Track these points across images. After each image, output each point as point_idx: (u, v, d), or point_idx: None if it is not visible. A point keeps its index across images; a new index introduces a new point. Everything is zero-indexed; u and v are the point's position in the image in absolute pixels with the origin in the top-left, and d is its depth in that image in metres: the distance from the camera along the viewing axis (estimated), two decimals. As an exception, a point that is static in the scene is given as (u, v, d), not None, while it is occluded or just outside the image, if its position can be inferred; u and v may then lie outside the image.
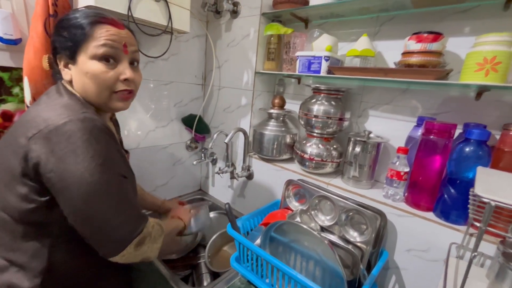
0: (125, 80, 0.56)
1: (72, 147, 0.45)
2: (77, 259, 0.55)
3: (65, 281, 0.54)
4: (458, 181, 0.67)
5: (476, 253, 0.42)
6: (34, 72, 0.72)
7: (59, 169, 0.45)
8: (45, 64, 0.59)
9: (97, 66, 0.52)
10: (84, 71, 0.53)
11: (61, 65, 0.56)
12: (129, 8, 0.78)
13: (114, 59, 0.54)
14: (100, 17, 0.54)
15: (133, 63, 0.59)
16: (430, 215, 0.71)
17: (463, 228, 0.65)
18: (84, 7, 0.74)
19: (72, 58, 0.54)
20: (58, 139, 0.45)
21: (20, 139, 0.47)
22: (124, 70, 0.55)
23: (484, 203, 0.42)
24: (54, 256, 0.52)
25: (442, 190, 0.70)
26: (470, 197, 0.46)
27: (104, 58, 0.53)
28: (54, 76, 0.60)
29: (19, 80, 0.78)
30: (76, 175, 0.45)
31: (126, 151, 0.74)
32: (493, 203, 0.40)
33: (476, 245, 0.42)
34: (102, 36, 0.52)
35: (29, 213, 0.49)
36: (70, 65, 0.55)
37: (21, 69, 0.76)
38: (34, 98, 0.73)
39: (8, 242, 0.51)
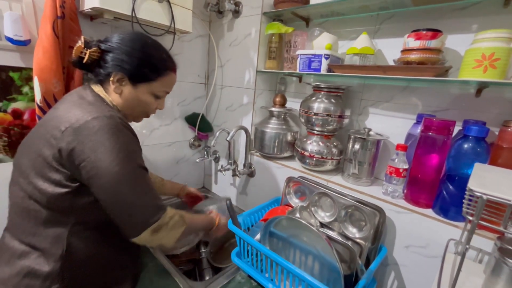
0: (157, 109, 0.70)
1: (101, 140, 0.51)
2: (93, 247, 0.58)
3: (82, 267, 0.57)
4: (457, 178, 0.67)
5: (468, 246, 0.42)
6: (44, 72, 0.74)
7: (90, 159, 0.51)
8: (77, 53, 0.58)
9: (150, 100, 0.66)
10: (139, 99, 0.63)
11: (113, 78, 0.60)
12: (133, 9, 0.80)
13: (161, 97, 0.68)
14: (174, 65, 0.67)
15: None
16: (429, 211, 0.72)
17: (461, 224, 0.66)
18: (90, 8, 0.77)
19: (133, 82, 0.61)
20: (88, 132, 0.51)
21: (54, 132, 0.52)
22: (161, 104, 0.70)
23: (477, 197, 0.42)
24: (72, 242, 0.55)
25: (441, 187, 0.70)
26: (466, 192, 0.46)
27: (157, 97, 0.67)
28: (80, 65, 0.60)
29: (28, 80, 0.81)
30: (105, 165, 0.51)
31: None
32: (485, 197, 0.41)
33: (469, 238, 0.43)
34: (168, 83, 0.67)
35: (58, 198, 0.53)
36: (125, 83, 0.61)
37: (30, 69, 0.80)
38: (44, 97, 0.76)
39: (30, 228, 0.55)
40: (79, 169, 0.51)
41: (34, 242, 0.55)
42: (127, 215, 0.54)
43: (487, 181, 0.48)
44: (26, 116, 0.83)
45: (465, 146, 0.64)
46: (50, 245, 0.54)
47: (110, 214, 0.55)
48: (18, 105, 0.81)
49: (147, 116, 0.70)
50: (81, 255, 0.57)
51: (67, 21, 0.77)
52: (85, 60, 0.59)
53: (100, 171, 0.51)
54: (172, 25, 0.91)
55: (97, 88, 0.62)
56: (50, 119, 0.55)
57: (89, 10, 0.78)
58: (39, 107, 0.77)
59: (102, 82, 0.62)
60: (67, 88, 0.82)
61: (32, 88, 0.81)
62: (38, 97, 0.76)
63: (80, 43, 0.58)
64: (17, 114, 0.81)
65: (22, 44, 0.76)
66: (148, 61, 0.61)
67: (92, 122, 0.51)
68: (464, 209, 0.45)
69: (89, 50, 0.58)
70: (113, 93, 0.62)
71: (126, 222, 0.55)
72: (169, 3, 0.88)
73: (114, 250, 0.63)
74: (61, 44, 0.76)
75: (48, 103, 0.77)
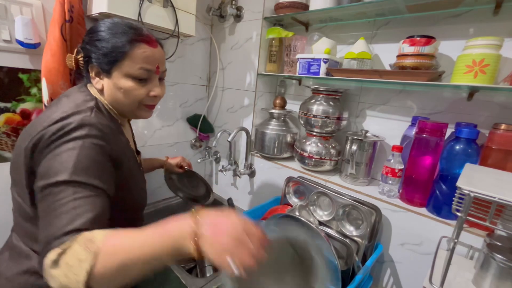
0: (154, 96, 0.61)
1: (55, 146, 0.47)
2: None
3: None
4: (449, 178, 0.70)
5: (457, 240, 0.45)
6: (52, 74, 0.77)
7: (40, 163, 0.47)
8: (70, 63, 0.60)
9: (130, 84, 0.57)
10: (117, 86, 0.57)
11: (92, 74, 0.58)
12: (139, 14, 0.83)
13: (146, 78, 0.59)
14: (138, 35, 0.56)
15: (161, 79, 0.64)
16: (423, 210, 0.75)
17: (453, 222, 0.68)
18: (98, 13, 0.80)
19: (106, 71, 0.56)
20: (50, 137, 0.48)
21: (26, 141, 0.50)
22: (154, 88, 0.60)
23: (465, 194, 0.45)
24: None
25: (434, 187, 0.73)
26: (456, 190, 0.49)
27: (138, 78, 0.57)
28: (77, 76, 0.63)
29: (37, 81, 0.84)
30: (43, 172, 0.46)
31: (138, 152, 0.77)
32: (472, 194, 0.44)
33: (458, 233, 0.46)
34: (139, 57, 0.56)
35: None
36: (102, 76, 0.58)
37: (38, 71, 0.82)
38: (52, 98, 0.78)
39: (31, 232, 0.55)
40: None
41: (34, 248, 0.55)
42: (43, 228, 0.46)
43: (475, 180, 0.50)
44: (34, 117, 0.85)
45: (457, 147, 0.67)
46: None
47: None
48: (27, 105, 0.84)
49: (148, 107, 0.62)
50: None
51: (75, 25, 0.80)
52: (75, 67, 0.59)
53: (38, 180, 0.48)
54: (176, 29, 0.94)
55: (92, 90, 0.60)
56: (29, 125, 0.54)
57: (97, 14, 0.81)
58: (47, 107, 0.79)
59: (87, 84, 0.61)
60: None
61: (40, 89, 0.83)
62: (45, 98, 0.78)
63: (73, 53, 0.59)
64: (25, 114, 0.84)
65: (32, 47, 0.78)
66: (107, 40, 0.55)
67: (56, 124, 0.49)
68: (454, 206, 0.48)
69: (74, 56, 0.59)
70: (101, 91, 0.59)
71: (41, 236, 0.45)
72: (174, 8, 0.91)
73: None
74: (68, 47, 0.79)
75: None
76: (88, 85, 0.61)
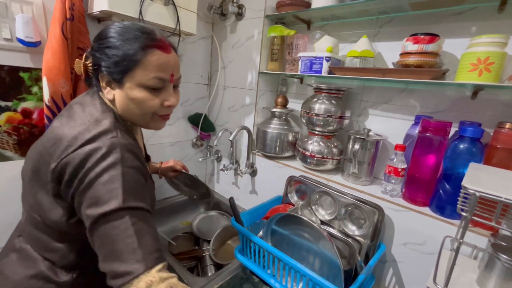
0: (168, 106, 0.57)
1: (95, 173, 0.46)
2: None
3: (94, 274, 0.55)
4: (453, 177, 0.69)
5: (462, 240, 0.45)
6: (52, 73, 0.77)
7: (82, 191, 0.46)
8: (79, 69, 0.56)
9: (144, 94, 0.53)
10: (129, 97, 0.53)
11: (103, 83, 0.54)
12: (140, 12, 0.82)
13: (160, 88, 0.55)
14: (151, 41, 0.51)
15: (176, 86, 0.59)
16: (426, 210, 0.74)
17: (457, 222, 0.68)
18: (99, 11, 0.79)
19: (117, 81, 0.52)
20: (83, 163, 0.46)
21: (51, 160, 0.48)
22: (169, 97, 0.56)
23: (471, 194, 0.45)
24: (82, 256, 0.56)
25: (438, 186, 0.72)
26: (461, 189, 0.49)
27: (152, 88, 0.53)
28: (86, 83, 0.59)
29: (38, 80, 0.83)
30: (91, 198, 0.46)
31: (148, 157, 0.76)
32: (477, 194, 0.43)
33: (463, 233, 0.45)
34: (153, 66, 0.51)
35: (62, 225, 0.52)
36: (113, 86, 0.54)
37: (40, 69, 0.82)
38: (52, 97, 0.78)
39: (44, 241, 0.55)
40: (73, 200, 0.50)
41: (48, 254, 0.55)
42: (113, 258, 0.46)
43: (480, 179, 0.50)
44: (35, 116, 0.85)
45: (461, 146, 0.67)
46: (60, 259, 0.55)
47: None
48: (28, 104, 0.83)
49: (162, 118, 0.59)
50: (92, 267, 0.54)
51: (76, 23, 0.80)
52: (84, 74, 0.56)
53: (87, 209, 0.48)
54: (178, 27, 0.94)
55: (103, 97, 0.57)
56: (50, 138, 0.52)
57: (98, 12, 0.81)
58: (47, 106, 0.79)
59: (98, 92, 0.57)
60: (75, 89, 0.84)
61: (41, 88, 0.83)
62: (46, 96, 0.78)
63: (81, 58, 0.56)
64: (26, 113, 0.84)
65: (33, 46, 0.78)
66: (118, 47, 0.50)
67: (89, 150, 0.47)
68: (458, 206, 0.47)
69: (83, 62, 0.55)
70: (112, 101, 0.55)
71: (110, 267, 0.46)
72: (175, 6, 0.91)
73: None
74: (69, 46, 0.79)
75: (56, 102, 0.79)
76: (100, 93, 0.57)
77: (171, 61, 0.55)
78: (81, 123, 0.50)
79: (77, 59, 0.57)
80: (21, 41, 0.76)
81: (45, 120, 0.80)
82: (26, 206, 0.58)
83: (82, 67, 0.55)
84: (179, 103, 1.24)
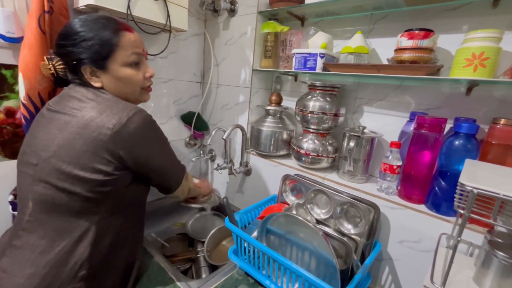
0: (149, 76, 0.68)
1: (147, 134, 0.59)
2: (117, 229, 0.63)
3: (108, 251, 0.61)
4: (448, 174, 0.69)
5: (460, 238, 0.44)
6: (29, 69, 0.72)
7: (143, 152, 0.59)
8: (46, 71, 0.59)
9: (130, 72, 0.62)
10: (118, 77, 0.61)
11: (87, 74, 0.59)
12: (128, 7, 0.80)
13: (139, 62, 0.65)
14: (117, 25, 0.60)
15: (146, 59, 0.69)
16: (422, 207, 0.73)
17: (453, 219, 0.67)
18: (85, 5, 0.76)
19: (101, 67, 0.59)
20: (132, 132, 0.56)
21: (102, 130, 0.54)
22: (147, 69, 0.67)
23: (468, 191, 0.44)
24: (101, 228, 0.59)
25: (433, 183, 0.72)
26: (457, 186, 0.48)
27: (134, 64, 0.63)
28: (58, 82, 0.63)
29: (21, 78, 0.80)
30: (156, 155, 0.62)
31: None
32: (475, 191, 0.42)
33: (460, 231, 0.44)
34: (128, 45, 0.61)
35: (103, 185, 0.56)
36: (98, 74, 0.60)
37: (23, 66, 0.78)
38: (28, 95, 0.73)
39: (60, 222, 0.56)
40: (132, 161, 0.58)
41: (63, 235, 0.56)
42: (171, 177, 0.70)
43: (477, 176, 0.49)
44: (18, 115, 0.82)
45: (456, 143, 0.66)
46: (81, 235, 0.57)
47: (157, 182, 0.68)
48: (11, 103, 0.80)
49: (147, 90, 0.69)
50: (107, 239, 0.60)
51: (57, 17, 0.75)
52: (56, 74, 0.61)
53: (153, 158, 0.62)
54: (168, 23, 0.91)
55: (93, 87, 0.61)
56: (85, 123, 0.55)
57: (83, 7, 0.77)
58: (23, 104, 0.74)
59: (85, 83, 0.61)
60: (54, 86, 0.79)
61: (22, 86, 0.79)
62: (22, 94, 0.73)
63: (45, 61, 0.60)
64: (9, 112, 0.80)
65: (15, 41, 0.74)
66: (93, 38, 0.57)
67: (134, 117, 0.56)
68: (455, 203, 0.46)
69: (52, 63, 0.59)
70: (98, 88, 0.61)
71: (171, 181, 0.70)
72: (165, 1, 0.88)
73: (128, 233, 0.67)
74: (48, 40, 0.74)
75: (33, 101, 0.75)
76: (82, 85, 0.61)
77: (138, 39, 0.64)
78: (104, 107, 0.57)
79: (42, 62, 0.59)
80: (2, 36, 0.72)
81: (22, 120, 0.76)
82: (40, 191, 0.56)
83: (52, 68, 0.60)
84: (171, 102, 1.24)
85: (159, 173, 0.66)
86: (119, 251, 0.64)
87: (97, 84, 0.60)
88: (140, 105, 1.06)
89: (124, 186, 0.60)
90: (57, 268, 0.55)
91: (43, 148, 0.57)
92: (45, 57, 0.60)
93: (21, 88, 0.73)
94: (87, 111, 0.56)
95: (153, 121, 0.61)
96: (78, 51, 0.57)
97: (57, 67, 0.60)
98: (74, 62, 0.58)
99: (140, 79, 0.65)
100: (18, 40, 0.75)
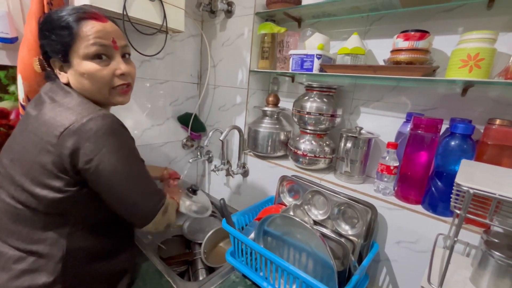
0: (121, 74, 0.58)
1: (101, 141, 0.50)
2: (92, 243, 0.58)
3: (83, 265, 0.57)
4: (444, 174, 0.69)
5: (456, 239, 0.44)
6: (28, 70, 0.72)
7: (94, 162, 0.50)
8: (37, 67, 0.59)
9: (92, 66, 0.54)
10: (80, 72, 0.54)
11: (56, 69, 0.57)
12: (124, 7, 0.79)
13: (106, 56, 0.56)
14: (82, 13, 0.54)
15: (125, 55, 0.61)
16: (419, 207, 0.73)
17: (449, 219, 0.68)
18: (81, 5, 0.75)
19: (65, 61, 0.55)
20: (86, 135, 0.49)
21: (49, 138, 0.49)
22: (118, 65, 0.57)
23: (464, 191, 0.44)
24: (71, 243, 0.55)
25: (430, 183, 0.72)
26: (454, 187, 0.48)
27: (97, 57, 0.55)
28: (47, 78, 0.61)
29: (15, 79, 0.79)
30: (110, 166, 0.51)
31: None
32: (471, 191, 0.42)
33: (457, 231, 0.44)
34: (89, 34, 0.53)
35: (58, 203, 0.52)
36: (65, 68, 0.56)
37: (16, 67, 0.77)
38: (28, 96, 0.73)
39: (27, 234, 0.53)
40: (81, 173, 0.51)
41: (31, 248, 0.53)
42: (136, 207, 0.57)
43: (473, 176, 0.49)
44: (12, 116, 0.81)
45: (452, 143, 0.66)
46: (49, 248, 0.53)
47: (117, 209, 0.56)
48: (5, 104, 0.79)
49: (120, 91, 0.59)
50: (81, 254, 0.56)
51: (55, 19, 0.75)
52: (40, 70, 0.59)
53: (105, 172, 0.51)
54: (164, 24, 0.91)
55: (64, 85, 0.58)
56: (39, 125, 0.52)
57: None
58: (22, 106, 0.74)
59: (57, 80, 0.58)
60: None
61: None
62: (21, 95, 0.73)
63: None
64: (3, 114, 0.79)
65: (9, 42, 0.74)
66: (55, 27, 0.53)
67: (89, 124, 0.49)
68: (452, 203, 0.47)
69: (39, 58, 0.59)
70: (67, 85, 0.57)
71: (136, 213, 0.57)
72: (161, 1, 0.88)
73: (112, 243, 0.63)
74: (48, 42, 0.75)
75: None
76: (54, 82, 0.58)
77: (108, 28, 0.56)
78: (66, 108, 0.52)
79: (34, 58, 0.59)
80: (-5, 37, 0.72)
81: None
82: (3, 199, 0.54)
83: (39, 63, 0.58)
84: (168, 103, 1.23)
85: (118, 199, 0.54)
86: (101, 264, 0.60)
87: (64, 80, 0.57)
88: (137, 107, 1.04)
89: (88, 203, 0.55)
90: (31, 280, 0.52)
91: (6, 154, 0.55)
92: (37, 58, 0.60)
93: (20, 89, 0.73)
94: (44, 114, 0.52)
95: (116, 130, 0.52)
96: (43, 43, 0.55)
97: (40, 61, 0.58)
98: (45, 56, 0.56)
99: (105, 75, 0.56)
100: (12, 41, 0.74)
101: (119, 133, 0.53)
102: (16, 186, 0.52)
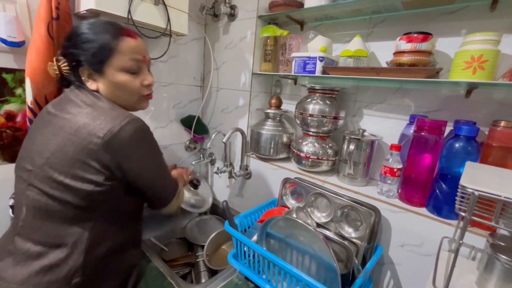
0: (148, 85, 0.66)
1: (139, 141, 0.58)
2: (111, 236, 0.62)
3: (103, 258, 0.61)
4: (449, 177, 0.69)
5: (461, 242, 0.43)
6: (36, 74, 0.74)
7: (133, 158, 0.57)
8: (52, 71, 0.61)
9: (125, 77, 0.61)
10: (113, 82, 0.61)
11: (84, 76, 0.60)
12: (129, 11, 0.80)
13: (138, 69, 0.64)
14: (119, 30, 0.60)
15: (149, 68, 0.69)
16: (423, 210, 0.73)
17: (454, 222, 0.67)
18: (86, 10, 0.77)
19: (98, 71, 0.59)
20: (126, 136, 0.55)
21: (92, 138, 0.54)
22: (146, 77, 0.66)
23: (469, 193, 0.43)
24: (94, 236, 0.59)
25: (434, 186, 0.71)
26: (458, 189, 0.47)
27: (131, 70, 0.62)
28: (64, 82, 0.64)
29: (22, 82, 0.80)
30: (147, 166, 0.61)
31: None
32: (476, 193, 0.42)
33: (462, 234, 0.44)
34: (127, 50, 0.60)
35: (94, 195, 0.56)
36: (94, 76, 0.60)
37: (23, 70, 0.79)
38: (36, 99, 0.75)
39: (53, 229, 0.56)
40: (123, 167, 0.57)
41: (57, 241, 0.56)
42: (162, 192, 0.67)
43: (478, 178, 0.49)
44: (19, 118, 0.82)
45: (457, 145, 0.66)
46: (74, 241, 0.56)
47: (147, 193, 0.65)
48: (11, 107, 0.80)
49: (146, 98, 0.68)
50: (103, 246, 0.60)
51: (62, 23, 0.77)
52: (60, 75, 0.61)
53: (144, 171, 0.60)
54: (168, 27, 0.92)
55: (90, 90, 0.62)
56: (78, 127, 0.55)
57: (85, 12, 0.78)
58: (30, 109, 0.75)
59: (84, 86, 0.61)
60: (59, 90, 0.81)
61: (25, 90, 0.80)
62: (29, 98, 0.75)
63: (53, 62, 0.61)
64: (10, 116, 0.80)
65: (16, 46, 0.75)
66: (93, 40, 0.58)
67: (128, 126, 0.55)
68: (457, 206, 0.46)
69: (58, 64, 0.60)
70: (96, 91, 0.61)
71: (160, 197, 0.68)
72: (165, 5, 0.89)
73: (125, 238, 0.67)
74: (56, 46, 0.76)
75: (39, 104, 0.76)
76: (85, 88, 0.62)
77: (141, 45, 0.64)
78: (98, 113, 0.57)
79: (49, 62, 0.61)
80: (3, 41, 0.73)
81: (28, 123, 0.77)
82: (33, 197, 0.56)
83: (56, 69, 0.61)
84: (171, 105, 1.24)
85: (148, 187, 0.64)
86: (115, 258, 0.64)
87: (93, 87, 0.60)
88: (141, 110, 1.06)
89: (117, 195, 0.60)
90: (51, 275, 0.54)
91: (38, 153, 0.57)
92: (54, 58, 0.61)
93: (28, 92, 0.74)
94: (81, 117, 0.56)
95: (146, 131, 0.60)
96: (78, 53, 0.58)
97: (62, 68, 0.61)
98: (74, 63, 0.59)
99: (136, 86, 0.64)
100: (19, 45, 0.75)
101: (149, 132, 0.61)
102: (51, 182, 0.55)
